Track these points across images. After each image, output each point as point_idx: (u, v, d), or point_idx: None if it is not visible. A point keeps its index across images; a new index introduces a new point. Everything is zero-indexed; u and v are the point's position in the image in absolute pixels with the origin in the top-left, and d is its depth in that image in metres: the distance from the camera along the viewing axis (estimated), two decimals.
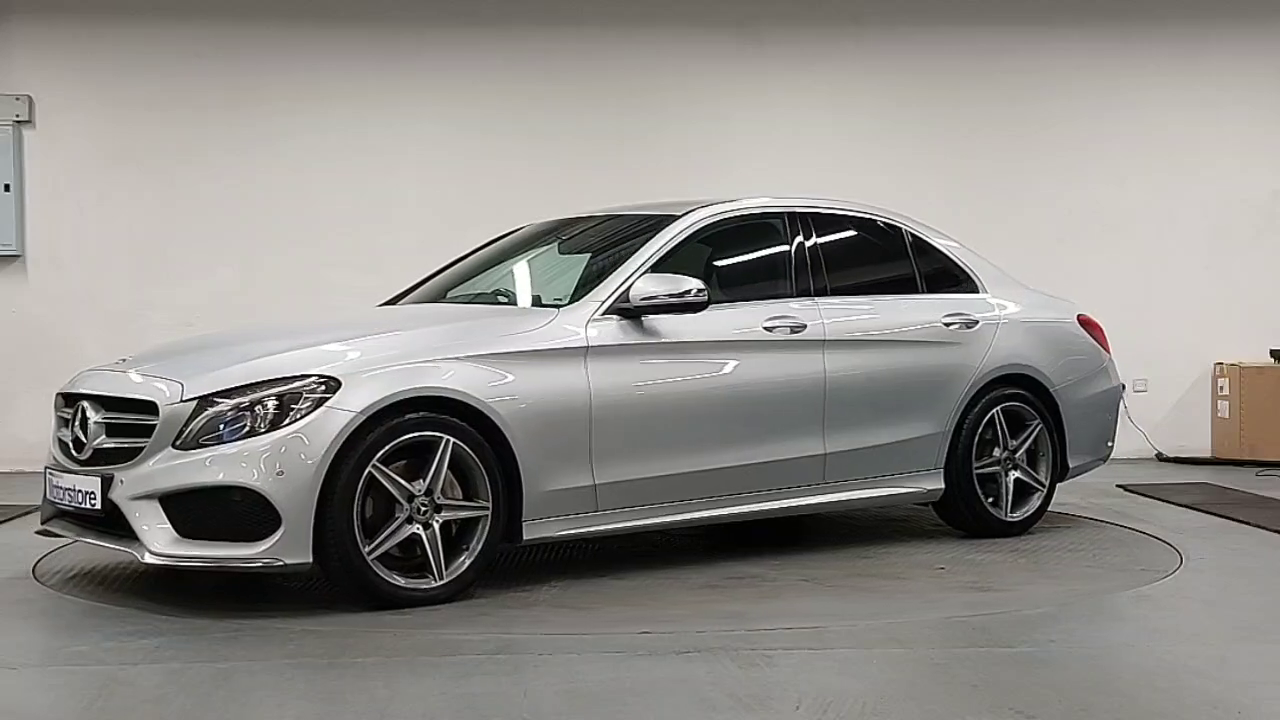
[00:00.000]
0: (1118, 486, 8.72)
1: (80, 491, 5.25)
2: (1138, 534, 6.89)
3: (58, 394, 5.71)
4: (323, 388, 5.05)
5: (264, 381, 5.09)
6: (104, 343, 10.01)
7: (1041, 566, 6.04)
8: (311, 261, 10.06)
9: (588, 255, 6.53)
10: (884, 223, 7.02)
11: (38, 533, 5.70)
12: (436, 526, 5.19)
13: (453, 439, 5.19)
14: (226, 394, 5.08)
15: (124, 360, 5.71)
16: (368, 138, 10.18)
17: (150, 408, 5.14)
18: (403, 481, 5.12)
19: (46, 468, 5.58)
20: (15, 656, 4.55)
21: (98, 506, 5.16)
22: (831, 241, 6.70)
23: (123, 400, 5.29)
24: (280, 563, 4.96)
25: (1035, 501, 7.00)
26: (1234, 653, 4.60)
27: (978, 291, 7.13)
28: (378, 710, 3.89)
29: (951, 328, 6.81)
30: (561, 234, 6.83)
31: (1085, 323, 7.49)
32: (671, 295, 5.72)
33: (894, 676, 4.24)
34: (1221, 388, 10.32)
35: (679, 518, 5.91)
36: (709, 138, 10.28)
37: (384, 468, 5.07)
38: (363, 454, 5.02)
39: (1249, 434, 10.07)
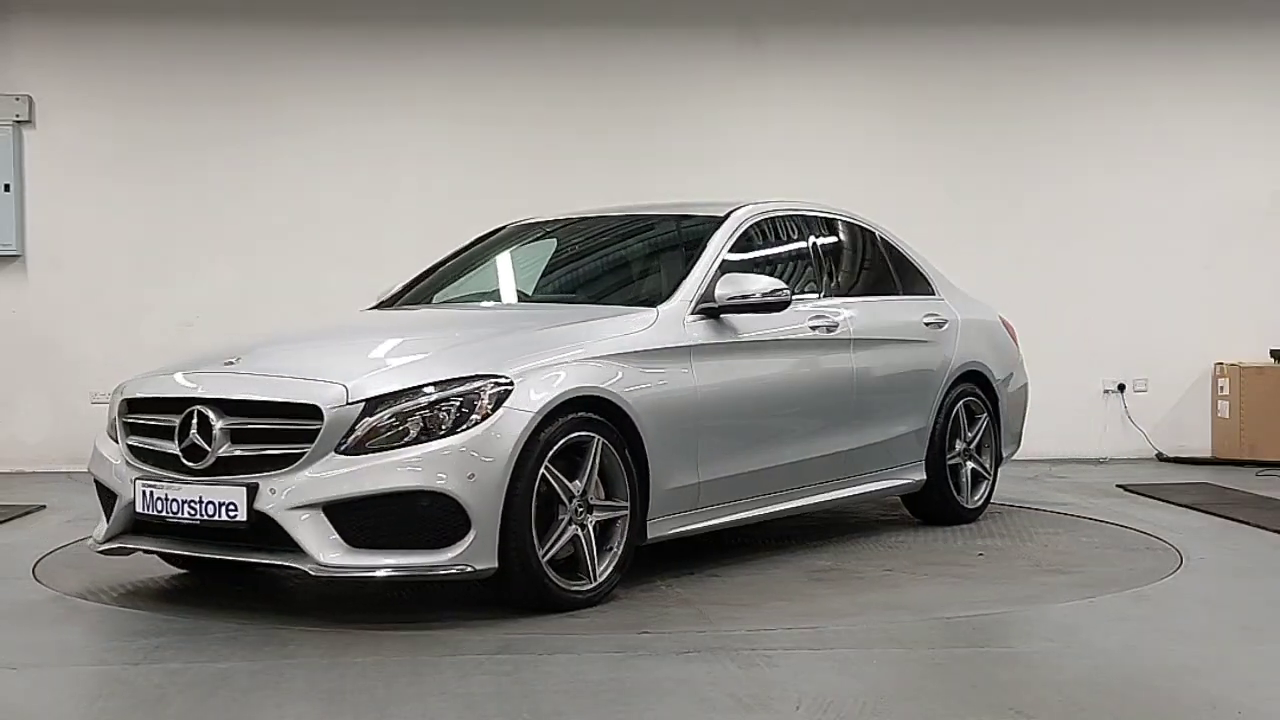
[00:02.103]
0: (1118, 486, 8.72)
1: (212, 503, 4.86)
2: (1138, 534, 6.89)
3: (140, 398, 5.29)
4: (497, 388, 4.91)
5: (438, 383, 4.89)
6: (104, 343, 10.04)
7: (1041, 566, 6.04)
8: (311, 261, 10.06)
9: (635, 255, 6.67)
10: (861, 226, 7.31)
11: (104, 551, 5.32)
12: (591, 527, 5.15)
13: (601, 439, 5.15)
14: (395, 396, 4.84)
15: (231, 362, 5.23)
16: (368, 137, 10.18)
17: (311, 411, 4.82)
18: (567, 482, 5.05)
19: (136, 479, 5.12)
20: (15, 656, 4.54)
21: (241, 518, 4.81)
22: (834, 244, 7.03)
23: (268, 404, 4.94)
24: (470, 569, 4.78)
25: (984, 489, 7.46)
26: (1234, 653, 4.60)
27: (934, 294, 7.52)
28: (378, 710, 3.89)
29: (929, 327, 7.21)
30: (585, 233, 6.84)
31: (1004, 323, 7.92)
32: (759, 294, 5.83)
33: (894, 676, 4.24)
34: (1221, 388, 10.32)
35: (754, 513, 6.06)
36: (708, 137, 10.28)
37: (553, 469, 4.99)
38: (537, 455, 4.90)
39: (1249, 434, 10.07)
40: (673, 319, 5.69)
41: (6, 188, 9.89)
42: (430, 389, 4.86)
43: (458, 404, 4.84)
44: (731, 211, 6.40)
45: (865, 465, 6.70)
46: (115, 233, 10.07)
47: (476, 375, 4.92)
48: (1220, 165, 10.51)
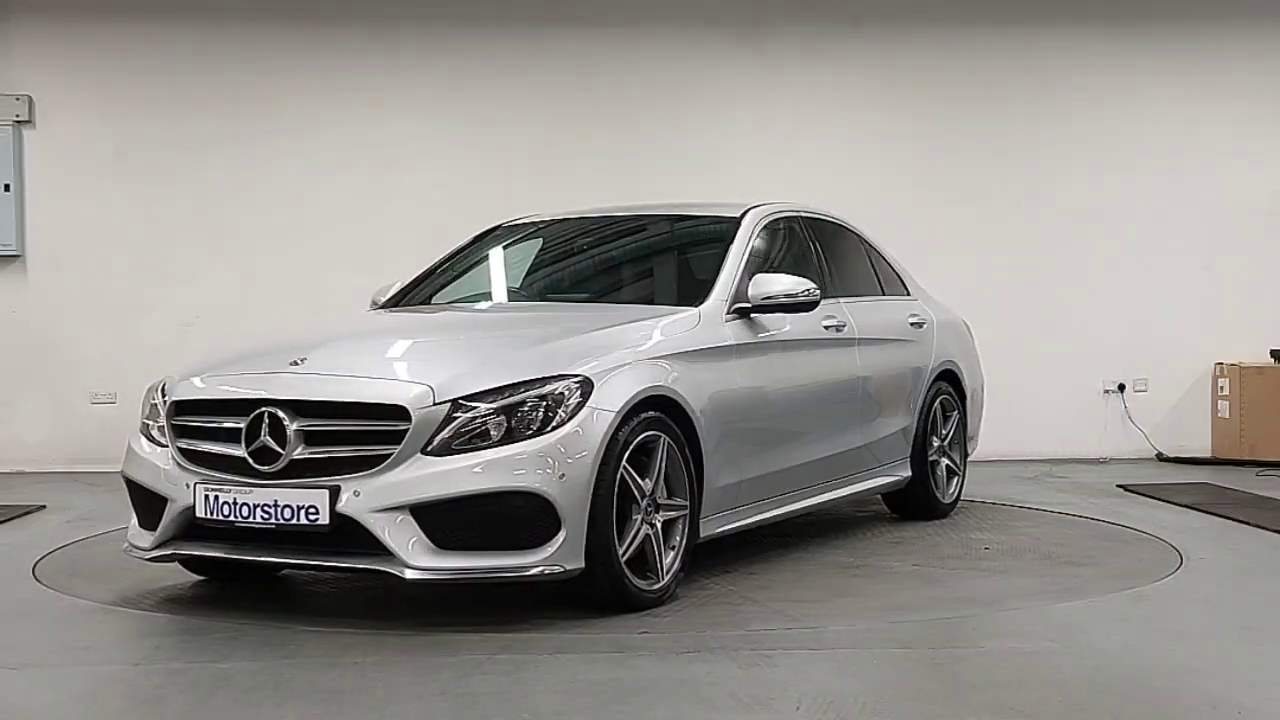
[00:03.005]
0: (1118, 486, 8.72)
1: (289, 507, 4.74)
2: (1138, 534, 6.89)
3: (194, 400, 5.12)
4: (579, 388, 4.88)
5: (523, 382, 4.84)
6: (104, 343, 10.04)
7: (1041, 566, 6.04)
8: (311, 261, 10.07)
9: (657, 255, 6.73)
10: (846, 227, 7.38)
11: (155, 559, 5.16)
12: (658, 526, 5.16)
13: (666, 438, 5.16)
14: (480, 396, 4.79)
15: (296, 363, 5.07)
16: (368, 137, 10.18)
17: (397, 412, 4.74)
18: (640, 482, 5.05)
19: (196, 483, 4.93)
20: (15, 656, 4.55)
21: (323, 522, 4.70)
22: (831, 245, 7.08)
23: (351, 405, 4.83)
24: (560, 569, 4.74)
25: (956, 485, 7.66)
26: (1234, 653, 4.60)
27: (909, 294, 7.63)
28: (378, 710, 3.89)
29: (913, 327, 7.36)
30: (600, 233, 6.85)
31: (965, 324, 8.08)
32: (790, 294, 5.87)
33: (894, 676, 4.24)
34: (1221, 388, 10.32)
35: (781, 511, 6.14)
36: (708, 137, 10.28)
37: (629, 468, 4.98)
38: (617, 455, 4.89)
39: (1249, 434, 10.07)
40: (714, 319, 5.73)
41: (6, 188, 9.90)
42: (516, 389, 4.83)
43: (544, 404, 4.81)
44: (746, 212, 6.45)
45: (867, 462, 6.85)
46: (115, 233, 10.07)
47: (560, 375, 4.89)
48: (1220, 165, 10.50)
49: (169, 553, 5.12)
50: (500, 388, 4.82)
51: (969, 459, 7.89)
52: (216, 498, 4.88)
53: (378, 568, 4.70)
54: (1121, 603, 5.30)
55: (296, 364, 5.06)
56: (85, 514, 7.72)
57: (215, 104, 10.10)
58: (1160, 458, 10.31)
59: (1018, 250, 10.44)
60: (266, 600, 5.37)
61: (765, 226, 6.46)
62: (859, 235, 7.44)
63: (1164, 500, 8.07)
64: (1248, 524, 7.17)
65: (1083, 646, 4.58)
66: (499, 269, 6.77)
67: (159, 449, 5.23)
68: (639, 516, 5.03)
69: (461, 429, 4.74)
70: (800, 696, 3.98)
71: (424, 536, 4.66)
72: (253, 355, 5.40)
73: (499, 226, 7.06)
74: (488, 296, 6.56)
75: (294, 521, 4.74)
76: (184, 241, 10.09)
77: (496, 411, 4.77)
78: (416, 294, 6.63)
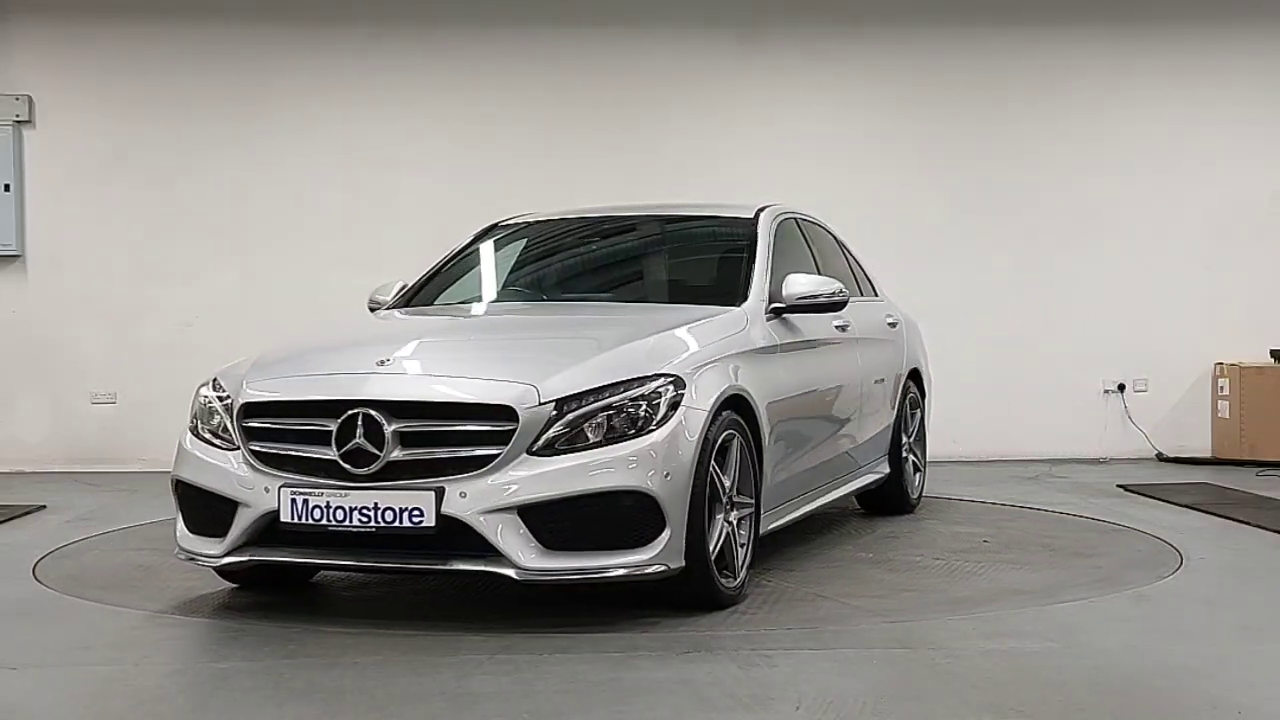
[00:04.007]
0: (1118, 486, 8.72)
1: (391, 509, 4.64)
2: (1138, 534, 6.89)
3: (270, 402, 4.97)
4: (673, 388, 4.89)
5: (623, 382, 4.84)
6: (104, 343, 10.04)
7: (1041, 567, 6.04)
8: (311, 261, 10.07)
9: (681, 254, 6.78)
10: (826, 228, 7.44)
11: (227, 567, 5.00)
12: (734, 524, 5.18)
13: (739, 436, 5.20)
14: (582, 397, 4.77)
15: (383, 362, 4.97)
16: (367, 137, 10.18)
17: (504, 413, 4.70)
18: (723, 480, 5.08)
19: (282, 487, 4.78)
20: (15, 656, 4.55)
21: (429, 524, 4.63)
22: (822, 245, 7.16)
23: (455, 406, 4.77)
24: (664, 568, 4.74)
25: (920, 481, 7.86)
26: (1234, 653, 4.60)
27: (878, 295, 7.77)
28: (378, 710, 3.89)
29: (890, 328, 7.50)
30: (616, 233, 6.86)
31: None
32: (822, 295, 5.94)
33: (894, 676, 4.24)
34: (1222, 388, 10.32)
35: (808, 508, 6.22)
36: (708, 137, 10.29)
37: (717, 467, 5.01)
38: (707, 453, 4.92)
39: (1249, 434, 10.07)
40: (757, 319, 5.77)
41: (6, 188, 9.90)
42: (616, 389, 4.82)
43: (645, 403, 4.82)
44: (759, 212, 6.51)
45: (863, 459, 7.01)
46: (115, 233, 10.07)
47: (656, 375, 4.90)
48: (1220, 165, 10.51)
49: (243, 560, 4.93)
50: (600, 388, 4.81)
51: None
52: (306, 502, 4.73)
53: (487, 569, 4.65)
54: (1121, 603, 5.30)
55: (383, 364, 4.97)
56: (85, 514, 7.72)
57: (215, 104, 10.10)
58: (1160, 458, 10.31)
59: (1018, 250, 10.44)
60: (266, 600, 5.36)
61: (777, 227, 6.51)
62: (834, 235, 7.50)
63: (1164, 500, 8.07)
64: (1248, 524, 7.17)
65: (1083, 646, 4.58)
66: (518, 269, 6.73)
67: (222, 451, 5.05)
68: (721, 515, 5.05)
69: (565, 429, 4.73)
70: (800, 696, 3.98)
71: (532, 537, 4.64)
72: (311, 354, 5.32)
73: (496, 225, 6.98)
74: (518, 296, 6.45)
75: (396, 524, 4.64)
76: (184, 241, 10.09)
77: (599, 411, 4.76)
78: (430, 294, 6.49)
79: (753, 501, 5.33)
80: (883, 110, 10.48)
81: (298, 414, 4.91)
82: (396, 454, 4.69)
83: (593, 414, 4.75)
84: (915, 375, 7.79)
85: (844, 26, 10.42)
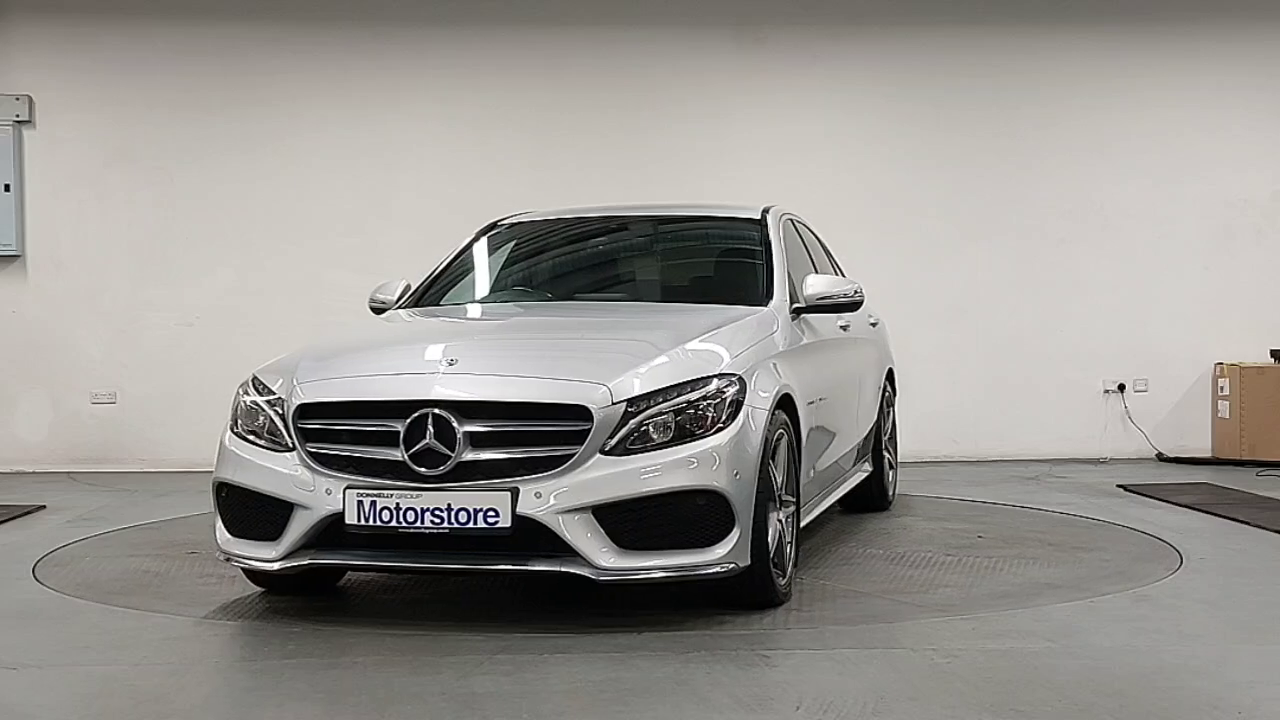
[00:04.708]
0: (1118, 486, 8.71)
1: (465, 510, 4.60)
2: (1138, 534, 6.89)
3: (330, 403, 4.87)
4: (736, 387, 4.90)
5: (688, 382, 4.84)
6: (104, 343, 10.04)
7: (1041, 567, 6.04)
8: (311, 261, 10.07)
9: (695, 254, 6.82)
10: (809, 225, 7.44)
11: (281, 571, 4.87)
12: (783, 522, 5.20)
13: (786, 435, 5.23)
14: (652, 396, 4.77)
15: (450, 363, 4.93)
16: (367, 137, 10.18)
17: (579, 412, 4.68)
18: (777, 478, 5.10)
19: (347, 488, 4.69)
20: (15, 656, 4.54)
21: (505, 525, 4.59)
22: (810, 243, 7.17)
23: (530, 406, 4.73)
24: (734, 566, 4.75)
25: (893, 478, 7.94)
26: (1234, 653, 4.60)
27: None
28: (378, 710, 3.89)
29: (872, 327, 7.56)
30: (626, 232, 6.87)
31: None
32: (842, 295, 5.97)
33: (894, 676, 4.23)
34: (1222, 388, 10.32)
35: (823, 507, 6.25)
36: (708, 136, 10.28)
37: (770, 465, 5.02)
38: (766, 452, 4.95)
39: (1249, 434, 10.07)
40: (783, 319, 5.78)
41: (6, 188, 9.90)
42: (683, 388, 4.83)
43: (712, 403, 4.83)
44: (765, 212, 6.54)
45: (858, 457, 7.10)
46: (115, 233, 10.07)
47: (720, 375, 4.91)
48: (1220, 165, 10.50)
49: (301, 564, 4.83)
50: (668, 388, 4.82)
51: None
52: (373, 504, 4.65)
53: (564, 570, 4.63)
54: (1121, 603, 5.30)
55: (453, 364, 4.91)
56: (85, 514, 7.72)
57: (215, 104, 10.10)
58: (1160, 458, 10.31)
59: (1018, 250, 10.44)
60: (266, 600, 5.36)
61: (783, 227, 6.54)
62: (816, 234, 7.50)
63: (1164, 500, 8.06)
64: (1248, 524, 7.17)
65: (1083, 646, 4.58)
66: (533, 269, 6.71)
67: (273, 453, 4.95)
68: (774, 513, 5.06)
69: (636, 429, 4.72)
70: (800, 696, 3.98)
71: (607, 537, 4.63)
72: (362, 355, 5.27)
73: (497, 224, 6.91)
74: (543, 296, 6.38)
75: (470, 525, 4.60)
76: (184, 241, 10.09)
77: (668, 411, 4.77)
78: (444, 293, 6.40)
79: (794, 500, 5.37)
80: (883, 110, 10.48)
81: (361, 415, 4.83)
82: (468, 454, 4.65)
83: (662, 414, 4.76)
84: (890, 375, 7.89)
85: (844, 26, 10.42)
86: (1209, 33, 10.57)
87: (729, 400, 4.85)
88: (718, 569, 4.74)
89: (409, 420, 4.69)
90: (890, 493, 7.80)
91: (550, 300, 6.29)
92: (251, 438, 5.05)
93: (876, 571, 5.91)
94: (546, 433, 4.69)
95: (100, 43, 10.11)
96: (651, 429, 4.74)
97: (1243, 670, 4.37)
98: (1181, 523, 7.26)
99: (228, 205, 10.11)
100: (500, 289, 6.48)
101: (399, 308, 6.26)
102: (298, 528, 4.79)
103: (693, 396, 4.81)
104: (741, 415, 4.85)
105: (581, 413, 4.69)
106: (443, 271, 6.56)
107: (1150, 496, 8.24)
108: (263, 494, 4.90)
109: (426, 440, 4.66)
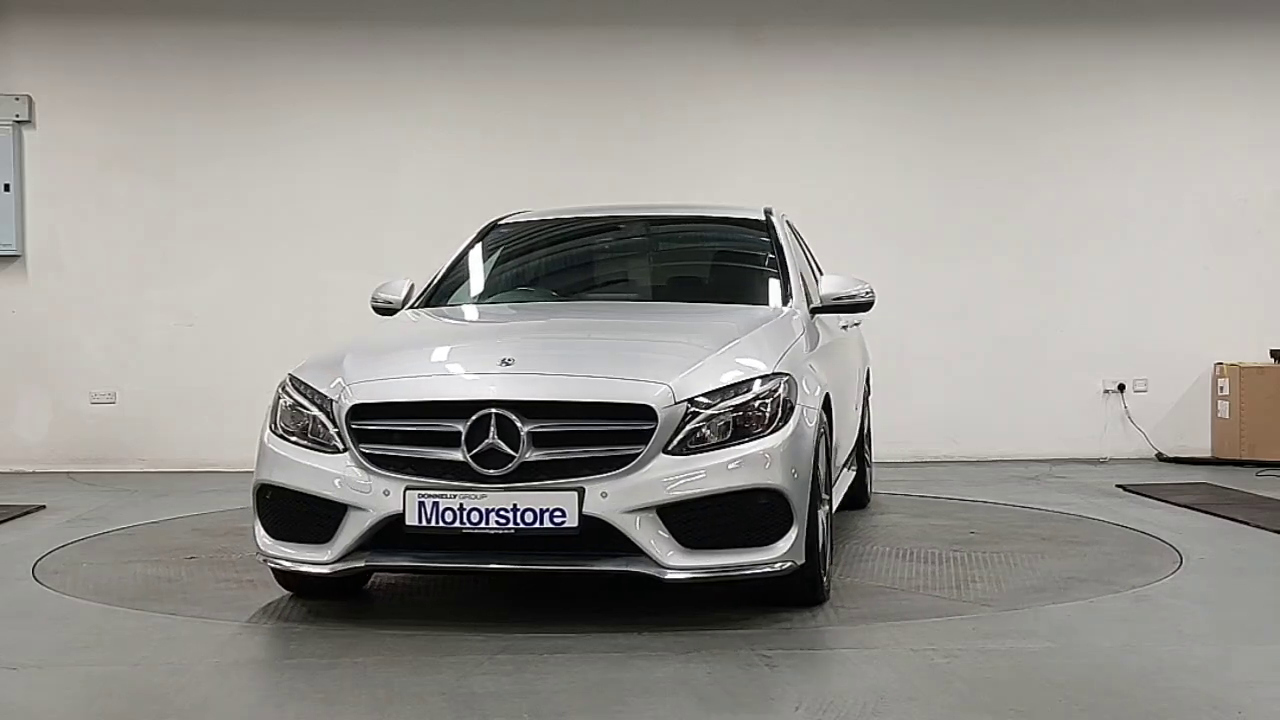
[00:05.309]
0: (1118, 486, 8.71)
1: (531, 510, 4.57)
2: (1138, 534, 6.89)
3: (384, 403, 4.81)
4: (787, 387, 4.91)
5: (744, 382, 4.85)
6: (104, 343, 10.04)
7: (1041, 566, 6.04)
8: (311, 261, 10.08)
9: (707, 254, 6.83)
10: (795, 227, 7.45)
11: (334, 574, 4.78)
12: (824, 520, 5.22)
13: (825, 434, 5.25)
14: (710, 396, 4.77)
15: (505, 362, 4.87)
16: (368, 138, 10.18)
17: (643, 412, 4.67)
18: (821, 476, 5.12)
19: (407, 489, 4.64)
20: (15, 656, 4.54)
21: (571, 525, 4.57)
22: (801, 244, 7.16)
23: (595, 406, 4.70)
24: (792, 564, 4.77)
25: (870, 475, 7.96)
26: (1234, 653, 4.60)
27: None
28: (378, 710, 3.89)
29: (855, 326, 7.55)
30: (634, 232, 6.88)
31: None
32: (856, 295, 6.00)
33: (894, 676, 4.24)
34: (1222, 388, 10.32)
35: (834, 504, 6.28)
36: (708, 137, 10.29)
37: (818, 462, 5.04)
38: (817, 450, 4.97)
39: (1249, 434, 10.07)
40: (807, 319, 5.81)
41: (6, 188, 9.90)
42: (740, 388, 4.84)
43: (768, 402, 4.84)
44: (768, 212, 6.58)
45: (851, 456, 7.10)
46: (115, 233, 10.07)
47: (774, 374, 4.93)
48: (1220, 165, 10.50)
49: (357, 566, 4.77)
50: (725, 387, 4.82)
51: None
52: (436, 505, 4.61)
53: (632, 570, 4.63)
54: (1121, 603, 5.30)
55: (507, 363, 4.86)
56: (85, 514, 7.72)
57: (215, 104, 10.11)
58: (1160, 458, 10.31)
59: (1018, 250, 10.44)
60: (266, 601, 5.36)
61: (784, 227, 6.57)
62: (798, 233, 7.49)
63: (1164, 500, 8.06)
64: (1248, 524, 7.17)
65: (1083, 646, 4.58)
66: (547, 269, 6.69)
67: (321, 454, 4.85)
68: (820, 511, 5.08)
69: (697, 428, 4.72)
70: (800, 696, 3.98)
71: (671, 537, 4.63)
72: (409, 354, 5.25)
73: (496, 224, 6.87)
74: (565, 295, 6.34)
75: (536, 526, 4.57)
76: (184, 241, 10.09)
77: (727, 410, 4.77)
78: (456, 292, 6.33)
79: (829, 499, 5.41)
80: (883, 110, 10.48)
81: (419, 415, 4.77)
82: (531, 455, 4.62)
83: (721, 413, 4.77)
84: (868, 374, 7.96)
85: (844, 26, 10.42)
86: (1209, 33, 10.57)
87: (781, 399, 4.87)
88: (777, 567, 4.75)
89: (471, 420, 4.65)
90: (869, 490, 7.86)
91: (574, 300, 6.28)
92: (295, 439, 4.95)
93: (876, 571, 5.91)
94: (610, 432, 4.68)
95: (100, 43, 10.11)
96: (710, 428, 4.74)
97: (1242, 670, 4.37)
98: (1181, 523, 7.26)
99: (228, 205, 10.11)
100: (515, 288, 6.43)
101: (413, 307, 6.17)
102: (352, 530, 4.73)
103: (748, 396, 4.83)
104: (796, 414, 4.87)
105: (646, 412, 4.68)
106: (452, 270, 6.48)
107: (1150, 496, 8.24)
108: (311, 496, 4.82)
109: (490, 440, 4.62)
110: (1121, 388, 10.46)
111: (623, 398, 4.72)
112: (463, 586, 5.56)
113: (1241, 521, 7.25)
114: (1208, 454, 10.39)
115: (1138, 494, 8.38)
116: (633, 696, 3.99)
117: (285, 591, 5.32)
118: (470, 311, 6.18)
